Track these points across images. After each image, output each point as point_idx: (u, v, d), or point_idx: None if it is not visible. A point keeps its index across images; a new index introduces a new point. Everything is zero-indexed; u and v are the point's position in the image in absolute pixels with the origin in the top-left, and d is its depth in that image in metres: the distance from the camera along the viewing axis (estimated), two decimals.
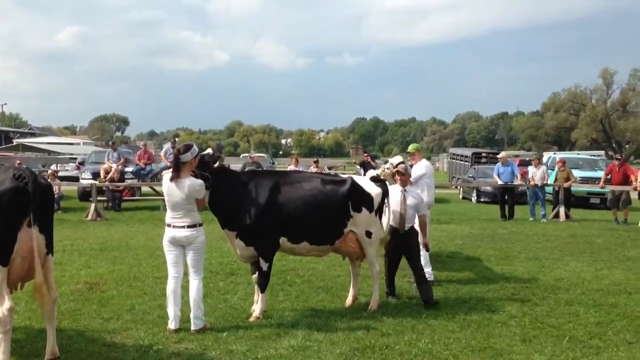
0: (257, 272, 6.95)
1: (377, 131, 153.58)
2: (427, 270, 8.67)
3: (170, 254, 6.37)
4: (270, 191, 6.78)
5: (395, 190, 7.67)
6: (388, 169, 9.05)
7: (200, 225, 6.34)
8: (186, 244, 6.30)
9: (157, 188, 20.50)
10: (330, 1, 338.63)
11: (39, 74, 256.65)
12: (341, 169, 38.36)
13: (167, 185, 6.27)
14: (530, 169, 18.86)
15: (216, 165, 6.75)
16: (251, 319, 6.76)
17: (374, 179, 7.68)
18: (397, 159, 9.67)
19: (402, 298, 7.90)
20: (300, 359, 5.52)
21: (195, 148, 6.35)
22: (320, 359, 5.55)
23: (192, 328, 6.20)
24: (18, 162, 20.24)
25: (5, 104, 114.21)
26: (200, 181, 6.24)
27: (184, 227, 6.23)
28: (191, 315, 6.26)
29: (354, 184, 7.19)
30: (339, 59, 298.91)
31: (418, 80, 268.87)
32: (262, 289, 6.90)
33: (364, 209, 7.13)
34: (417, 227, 7.75)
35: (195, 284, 6.33)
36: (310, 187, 7.02)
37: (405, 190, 7.70)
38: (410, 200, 7.61)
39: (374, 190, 7.31)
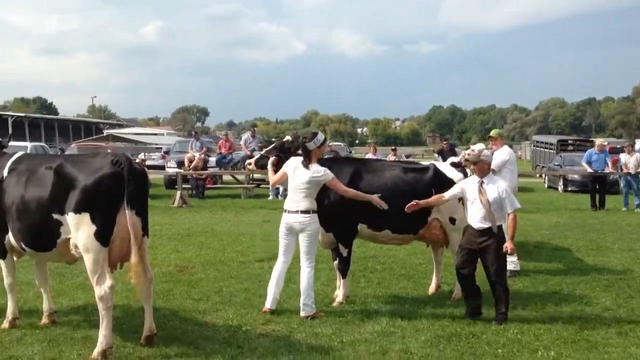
0: (337, 259, 7.02)
1: (455, 119, 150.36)
2: (513, 260, 8.45)
3: (282, 240, 6.50)
4: (350, 178, 6.81)
5: (472, 181, 6.51)
6: (469, 154, 8.89)
7: (315, 212, 6.37)
8: (299, 230, 6.37)
9: (238, 176, 21.04)
10: None
11: (125, 68, 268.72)
12: (419, 157, 37.91)
13: (293, 168, 6.39)
14: (623, 156, 17.90)
15: (297, 152, 6.87)
16: (334, 304, 6.84)
17: (454, 165, 7.55)
18: (478, 146, 9.43)
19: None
20: (384, 344, 5.53)
21: (320, 137, 6.45)
22: (404, 344, 5.53)
23: (302, 314, 6.30)
24: (109, 151, 21.29)
25: (95, 96, 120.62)
26: (323, 168, 6.34)
27: (297, 212, 6.31)
28: (300, 302, 6.36)
29: (437, 171, 7.10)
30: (416, 47, 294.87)
31: (498, 66, 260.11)
32: (343, 274, 6.96)
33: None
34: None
35: (306, 272, 6.37)
36: (392, 175, 7.00)
37: (483, 181, 6.37)
38: (491, 194, 6.29)
39: (456, 176, 7.18)
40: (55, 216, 5.13)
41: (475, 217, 6.31)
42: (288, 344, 5.51)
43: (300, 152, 6.66)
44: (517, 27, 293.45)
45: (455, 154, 16.31)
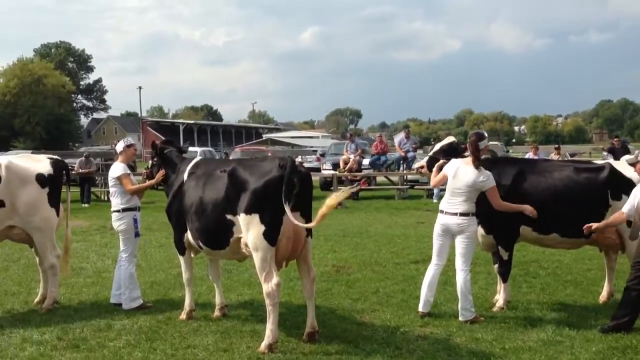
0: (497, 262, 6.81)
1: (626, 114, 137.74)
2: None
3: (436, 242, 6.44)
4: (513, 179, 6.57)
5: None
6: None
7: (473, 215, 6.25)
8: (456, 232, 6.28)
9: (392, 178, 21.12)
10: None
11: (283, 74, 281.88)
12: (585, 156, 35.32)
13: (455, 169, 6.28)
14: None
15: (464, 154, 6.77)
16: (495, 309, 6.64)
17: (632, 163, 6.95)
18: None
19: None
20: (551, 354, 5.27)
21: (485, 135, 6.41)
22: (574, 355, 5.23)
23: (460, 319, 6.23)
24: (269, 154, 22.47)
25: (255, 102, 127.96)
26: (488, 173, 6.20)
27: (455, 214, 6.22)
28: (459, 307, 6.29)
29: (613, 170, 6.60)
30: (583, 37, 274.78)
31: None
32: (504, 279, 6.74)
33: (624, 197, 6.47)
34: None
35: (462, 276, 6.25)
36: (561, 176, 6.64)
37: None
38: None
39: (635, 176, 6.61)
40: (229, 217, 5.57)
41: None
42: (447, 347, 5.46)
43: (466, 153, 6.52)
44: None
45: (628, 152, 14.99)
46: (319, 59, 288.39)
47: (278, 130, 79.50)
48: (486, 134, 6.41)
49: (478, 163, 6.16)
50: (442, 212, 6.34)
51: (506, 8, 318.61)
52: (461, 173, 6.18)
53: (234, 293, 7.51)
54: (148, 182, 7.01)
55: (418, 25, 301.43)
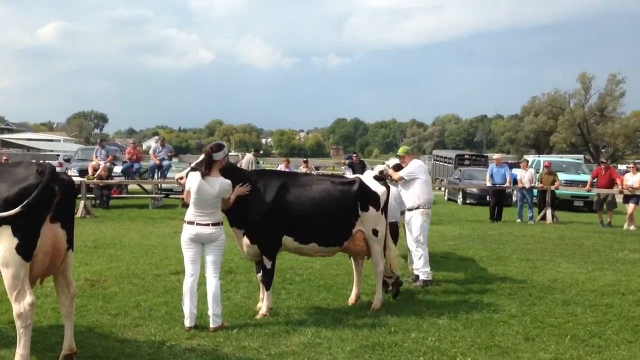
0: (260, 271, 7.02)
1: (358, 132, 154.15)
2: (426, 270, 8.82)
3: (189, 251, 6.40)
4: (277, 191, 6.86)
5: None
6: (384, 169, 9.25)
7: (222, 224, 6.42)
8: (207, 242, 6.35)
9: (145, 186, 20.43)
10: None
11: (18, 70, 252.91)
12: (329, 169, 38.51)
13: (197, 183, 6.25)
14: (519, 172, 19.13)
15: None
16: (258, 317, 6.81)
17: (377, 178, 7.82)
18: (393, 161, 9.87)
19: (404, 296, 8.02)
20: (312, 356, 5.60)
21: (226, 148, 6.46)
22: (331, 355, 5.63)
23: (211, 325, 6.22)
24: (5, 158, 19.99)
25: None
26: (229, 181, 6.33)
27: (208, 225, 6.28)
28: (209, 313, 6.28)
29: (362, 184, 7.31)
30: (324, 60, 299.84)
31: (400, 82, 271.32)
32: (267, 287, 6.96)
33: (371, 208, 7.25)
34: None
35: (213, 282, 6.35)
36: (320, 189, 7.11)
37: None
38: None
39: (379, 189, 7.43)
40: None
41: None
42: (215, 358, 5.45)
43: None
44: (421, 45, 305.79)
45: (365, 167, 16.77)
46: (63, 57, 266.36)
47: (10, 131, 70.98)
48: (225, 145, 6.57)
49: (206, 172, 6.25)
50: (192, 223, 6.35)
51: (256, 25, 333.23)
52: (203, 185, 6.26)
53: None
54: None
55: (171, 33, 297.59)
